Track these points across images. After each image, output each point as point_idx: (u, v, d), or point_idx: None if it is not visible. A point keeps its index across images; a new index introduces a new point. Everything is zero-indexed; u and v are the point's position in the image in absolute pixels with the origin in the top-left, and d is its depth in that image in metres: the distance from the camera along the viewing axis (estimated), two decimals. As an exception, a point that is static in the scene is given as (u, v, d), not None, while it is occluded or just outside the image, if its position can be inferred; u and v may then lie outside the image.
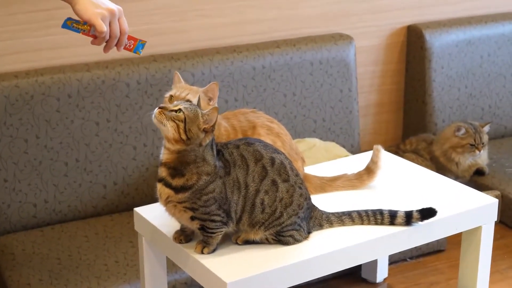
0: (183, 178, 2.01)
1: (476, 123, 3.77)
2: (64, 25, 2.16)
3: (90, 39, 2.16)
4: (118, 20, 2.14)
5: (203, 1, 3.50)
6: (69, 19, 2.16)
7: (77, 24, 2.15)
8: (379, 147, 2.52)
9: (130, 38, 2.20)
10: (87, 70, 3.19)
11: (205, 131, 1.99)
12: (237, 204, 2.06)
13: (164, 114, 1.98)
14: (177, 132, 1.97)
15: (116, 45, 2.17)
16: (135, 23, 3.25)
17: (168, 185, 2.03)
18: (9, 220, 3.14)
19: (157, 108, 2.00)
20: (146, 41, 2.24)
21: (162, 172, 2.04)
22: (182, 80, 2.39)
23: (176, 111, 1.98)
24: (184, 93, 2.27)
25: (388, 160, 2.64)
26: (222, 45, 3.55)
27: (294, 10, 3.71)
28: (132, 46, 2.21)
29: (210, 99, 2.30)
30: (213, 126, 2.00)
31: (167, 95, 2.32)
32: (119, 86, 3.23)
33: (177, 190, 2.02)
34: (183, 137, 1.97)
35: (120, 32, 2.15)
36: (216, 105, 2.18)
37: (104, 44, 2.16)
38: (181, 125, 1.97)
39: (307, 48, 3.61)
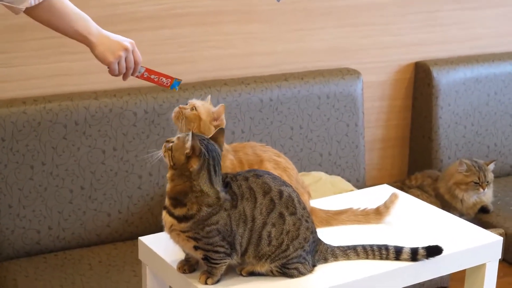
0: (184, 208, 2.02)
1: (481, 161, 3.77)
2: None
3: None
4: (132, 52, 2.38)
5: (212, 33, 3.52)
6: None
7: None
8: (398, 194, 2.51)
9: (167, 77, 2.43)
10: (95, 98, 3.20)
11: (187, 155, 2.01)
12: (242, 236, 2.06)
13: (164, 148, 2.06)
14: (167, 159, 2.05)
15: (132, 74, 2.41)
16: (145, 53, 3.23)
17: (171, 214, 2.05)
18: (12, 246, 3.13)
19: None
20: (181, 80, 2.45)
21: (166, 201, 2.06)
22: (209, 102, 2.42)
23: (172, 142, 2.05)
24: (199, 102, 2.33)
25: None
26: (230, 76, 3.56)
27: (302, 44, 3.73)
28: (169, 83, 2.43)
29: (214, 119, 2.32)
30: (195, 151, 2.01)
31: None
32: (127, 115, 3.24)
33: (179, 219, 2.03)
34: (171, 163, 2.02)
35: (134, 63, 2.39)
36: (212, 128, 2.28)
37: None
38: (170, 153, 2.03)
39: (315, 82, 3.62)
